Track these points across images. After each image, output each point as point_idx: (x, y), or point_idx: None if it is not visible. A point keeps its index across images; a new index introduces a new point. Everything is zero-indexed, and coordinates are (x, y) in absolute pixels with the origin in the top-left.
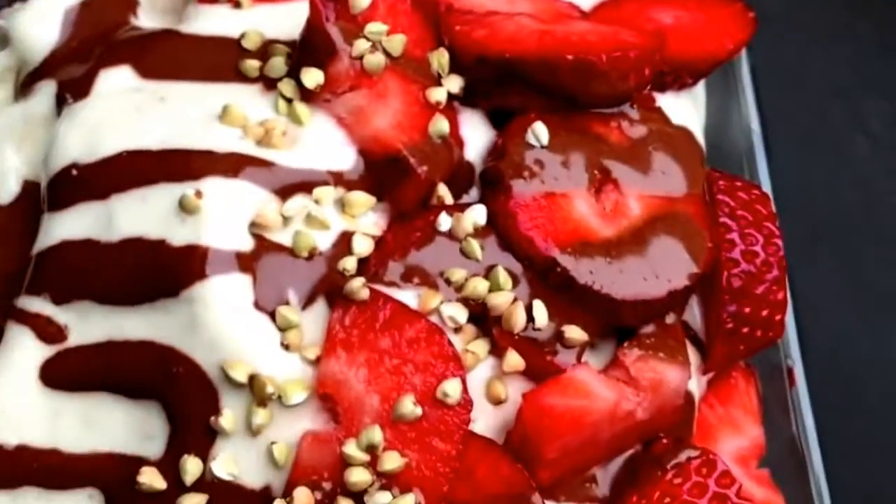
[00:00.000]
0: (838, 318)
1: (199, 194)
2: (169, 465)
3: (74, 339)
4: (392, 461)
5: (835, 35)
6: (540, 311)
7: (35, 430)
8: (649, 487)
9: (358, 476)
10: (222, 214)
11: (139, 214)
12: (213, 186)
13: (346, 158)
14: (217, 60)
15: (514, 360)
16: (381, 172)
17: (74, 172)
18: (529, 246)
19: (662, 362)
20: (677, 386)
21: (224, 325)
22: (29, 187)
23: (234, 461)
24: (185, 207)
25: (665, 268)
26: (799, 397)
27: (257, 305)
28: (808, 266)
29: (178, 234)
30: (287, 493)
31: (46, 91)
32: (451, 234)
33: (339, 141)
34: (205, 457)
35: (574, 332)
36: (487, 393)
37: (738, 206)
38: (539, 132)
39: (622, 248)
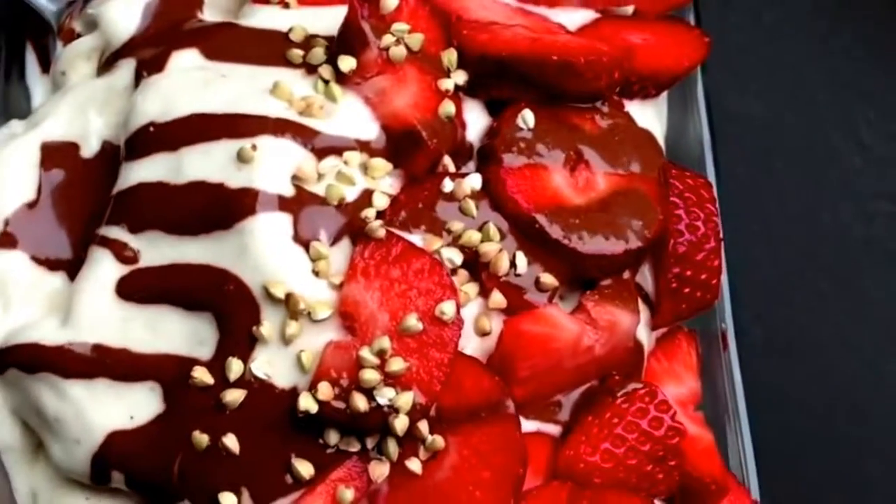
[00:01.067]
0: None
1: (254, 147)
2: (216, 365)
3: (145, 261)
4: (397, 364)
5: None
6: (521, 259)
7: (109, 332)
8: (602, 410)
9: (369, 375)
10: (271, 165)
11: (203, 163)
12: (265, 143)
13: (370, 130)
14: (268, 48)
15: (497, 298)
16: (398, 143)
17: (151, 129)
18: (515, 206)
19: (617, 308)
20: (628, 328)
21: (268, 252)
22: (107, 146)
23: (269, 364)
24: (241, 158)
25: (623, 232)
26: (730, 357)
27: (295, 239)
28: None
29: (235, 179)
30: (312, 388)
31: (127, 67)
32: (452, 195)
33: (365, 116)
34: (245, 359)
35: (547, 279)
36: (475, 326)
37: (685, 189)
38: (527, 118)
39: (589, 214)
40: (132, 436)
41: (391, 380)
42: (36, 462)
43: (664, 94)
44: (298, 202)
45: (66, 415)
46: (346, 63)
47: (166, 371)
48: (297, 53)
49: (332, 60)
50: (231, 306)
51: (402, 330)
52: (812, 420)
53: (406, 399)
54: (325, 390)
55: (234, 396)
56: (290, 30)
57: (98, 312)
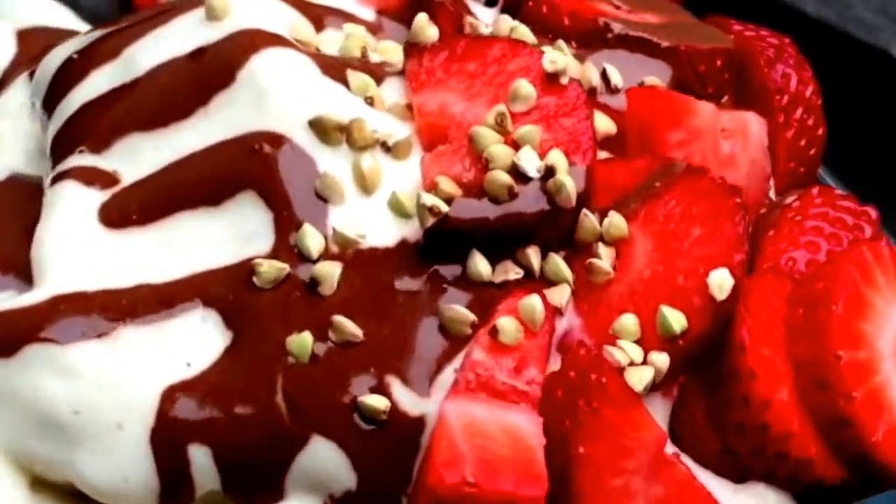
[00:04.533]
0: None
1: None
2: (283, 250)
3: (130, 176)
4: (526, 128)
5: None
6: (612, 70)
7: (113, 272)
8: (779, 219)
9: (497, 149)
10: (256, 10)
11: (158, 48)
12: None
13: (364, 13)
14: None
15: (603, 123)
16: (407, 20)
17: (75, 56)
18: (577, 18)
19: (739, 111)
20: (759, 133)
21: (299, 83)
22: (14, 179)
23: (355, 219)
24: (212, 14)
25: (704, 38)
26: None
27: (325, 73)
28: None
29: (214, 34)
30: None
31: (14, 86)
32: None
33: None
34: (322, 226)
35: (652, 81)
36: None
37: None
38: None
39: (659, 29)
40: (198, 387)
41: (526, 145)
42: None
43: None
44: (310, 52)
45: (86, 396)
46: None
47: (213, 290)
48: None
49: None
50: (273, 168)
51: (513, 99)
52: None
53: (558, 157)
54: (446, 185)
55: (329, 270)
56: None
57: (87, 254)
